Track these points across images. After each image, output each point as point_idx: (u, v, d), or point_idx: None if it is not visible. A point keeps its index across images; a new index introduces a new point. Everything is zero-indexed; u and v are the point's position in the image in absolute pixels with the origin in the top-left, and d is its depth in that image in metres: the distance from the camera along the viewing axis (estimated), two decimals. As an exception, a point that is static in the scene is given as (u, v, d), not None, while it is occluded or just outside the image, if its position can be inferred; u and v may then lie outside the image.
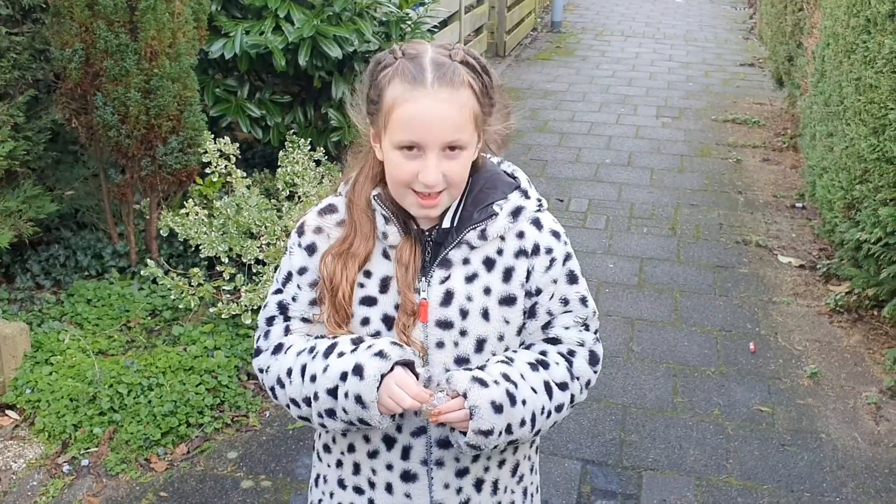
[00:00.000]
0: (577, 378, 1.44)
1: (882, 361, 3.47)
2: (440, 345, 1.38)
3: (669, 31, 10.56)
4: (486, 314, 1.38)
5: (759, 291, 4.06)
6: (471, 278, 1.38)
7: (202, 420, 2.96)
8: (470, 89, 1.30)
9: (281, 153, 3.97)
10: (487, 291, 1.39)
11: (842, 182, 3.40)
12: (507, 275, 1.40)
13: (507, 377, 1.34)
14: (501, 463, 1.48)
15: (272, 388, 1.45)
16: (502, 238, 1.40)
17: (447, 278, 1.38)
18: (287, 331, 1.46)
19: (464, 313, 1.37)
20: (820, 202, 3.81)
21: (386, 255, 1.39)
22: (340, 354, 1.35)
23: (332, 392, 1.34)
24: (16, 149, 3.24)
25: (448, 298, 1.37)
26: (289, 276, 1.45)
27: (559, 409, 1.41)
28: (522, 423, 1.34)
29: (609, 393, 3.27)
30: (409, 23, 4.58)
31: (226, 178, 3.76)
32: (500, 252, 1.40)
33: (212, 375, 3.09)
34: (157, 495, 2.69)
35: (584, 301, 1.46)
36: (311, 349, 1.40)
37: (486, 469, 1.46)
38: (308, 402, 1.38)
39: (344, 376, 1.32)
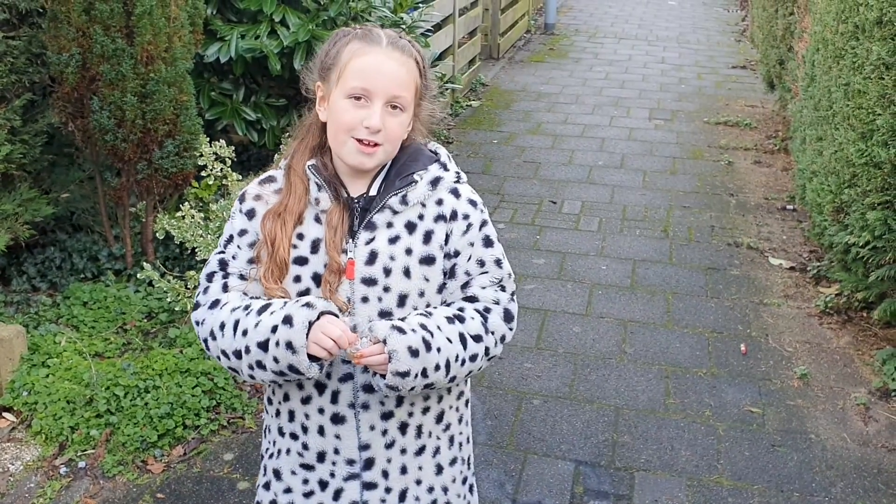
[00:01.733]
0: (492, 332, 1.58)
1: (871, 363, 3.51)
2: (365, 299, 1.52)
3: (662, 33, 10.61)
4: (407, 272, 1.53)
5: (751, 293, 4.11)
6: (394, 240, 1.53)
7: (198, 422, 2.98)
8: (414, 62, 1.52)
9: (276, 156, 3.99)
10: (409, 252, 1.53)
11: (831, 186, 3.44)
12: (427, 237, 1.55)
13: (424, 327, 1.48)
14: (426, 410, 1.61)
15: (205, 340, 1.57)
16: (423, 205, 1.55)
17: (372, 240, 1.52)
18: (225, 287, 1.58)
19: (387, 271, 1.51)
20: (810, 205, 3.85)
21: (318, 220, 1.54)
22: (272, 312, 1.48)
23: (263, 345, 1.46)
24: (12, 152, 3.26)
25: (373, 258, 1.52)
26: (230, 239, 1.59)
27: (473, 358, 1.54)
28: (437, 367, 1.48)
29: (602, 394, 3.30)
30: (404, 27, 4.61)
31: (221, 181, 3.78)
32: (420, 217, 1.55)
33: (208, 378, 3.11)
34: (154, 497, 2.71)
35: (499, 263, 1.61)
36: (246, 307, 1.53)
37: (410, 414, 1.59)
38: (238, 354, 1.51)
39: (275, 329, 1.45)
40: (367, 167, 1.52)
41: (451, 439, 1.68)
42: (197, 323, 1.59)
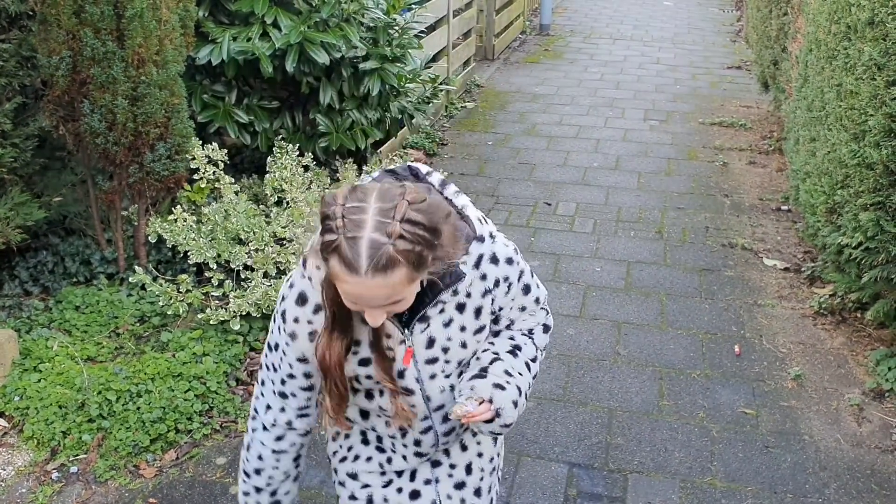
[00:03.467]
0: (541, 349, 1.75)
1: (865, 363, 3.51)
2: (433, 376, 1.61)
3: (657, 33, 10.61)
4: (464, 345, 1.61)
5: (745, 294, 4.10)
6: (447, 323, 1.58)
7: (191, 426, 2.97)
8: (403, 266, 1.33)
9: (269, 159, 3.99)
10: (463, 329, 1.60)
11: (824, 187, 3.44)
12: (478, 312, 1.61)
13: (508, 373, 1.60)
14: (479, 454, 1.81)
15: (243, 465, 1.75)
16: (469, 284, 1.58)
17: (426, 328, 1.57)
18: (282, 409, 1.65)
19: (445, 350, 1.60)
20: (803, 206, 3.85)
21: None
22: None
23: None
24: (3, 156, 3.25)
25: (431, 343, 1.58)
26: (278, 361, 1.61)
27: (535, 377, 1.71)
28: (526, 398, 1.65)
29: (596, 396, 3.30)
30: (397, 28, 4.61)
31: (214, 185, 3.78)
32: (468, 295, 1.58)
33: (200, 381, 3.10)
34: (147, 502, 2.70)
35: (537, 301, 1.72)
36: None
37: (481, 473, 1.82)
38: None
39: None
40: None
41: (493, 470, 1.88)
42: (246, 446, 1.74)
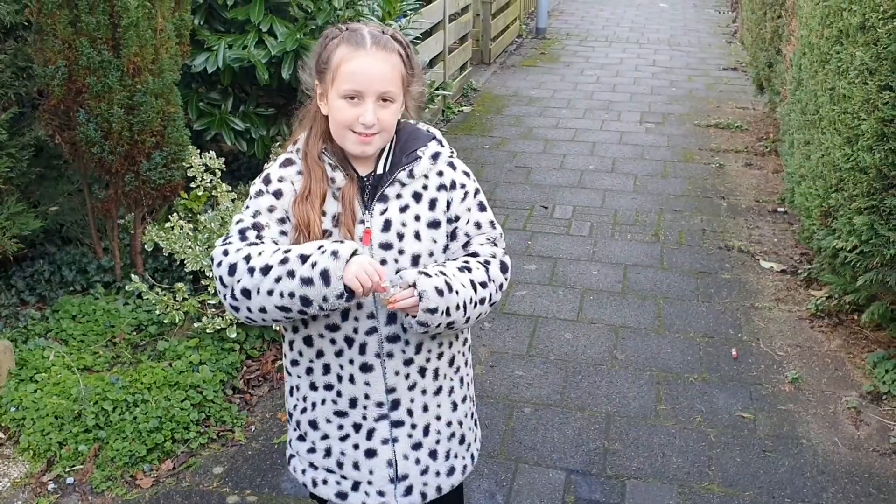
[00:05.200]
0: (493, 280, 1.80)
1: (862, 366, 3.52)
2: (383, 262, 1.72)
3: (653, 35, 10.63)
4: (417, 235, 1.75)
5: (742, 297, 4.11)
6: (403, 209, 1.75)
7: (188, 436, 2.97)
8: (398, 55, 1.70)
9: (266, 165, 3.98)
10: (417, 218, 1.75)
11: (818, 190, 3.45)
12: (432, 204, 1.77)
13: (443, 273, 1.70)
14: (440, 355, 1.83)
15: (233, 264, 1.64)
16: (426, 177, 1.77)
17: (385, 210, 1.74)
18: (261, 240, 1.71)
19: (400, 236, 1.73)
20: (798, 209, 3.85)
21: (335, 197, 1.73)
22: (318, 242, 1.65)
23: (304, 257, 1.58)
24: (-1, 166, 3.25)
25: (387, 225, 1.73)
26: (257, 212, 1.73)
27: (482, 301, 1.77)
28: (457, 307, 1.69)
29: (593, 401, 3.30)
30: (392, 34, 4.61)
31: (211, 192, 3.78)
32: (425, 188, 1.77)
33: (197, 390, 3.10)
34: (144, 512, 2.70)
35: (492, 224, 1.85)
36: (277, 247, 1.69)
37: (428, 360, 1.81)
38: (267, 269, 1.60)
39: (321, 247, 1.59)
40: (367, 154, 1.73)
41: (461, 380, 1.92)
42: (225, 253, 1.67)
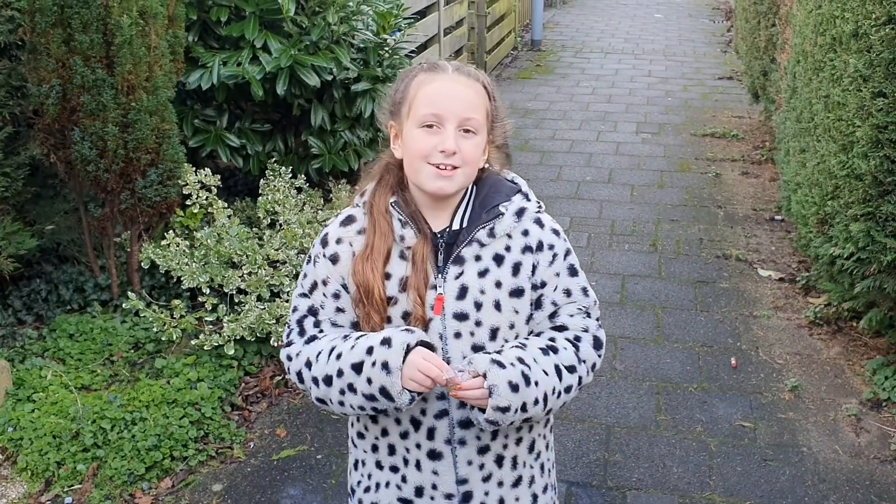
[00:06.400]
0: (584, 361, 1.58)
1: (861, 373, 3.50)
2: (457, 335, 1.52)
3: (648, 46, 10.67)
4: (498, 305, 1.53)
5: (740, 306, 4.10)
6: (483, 273, 1.53)
7: (186, 453, 2.96)
8: (482, 86, 1.54)
9: (262, 181, 3.99)
10: (498, 285, 1.53)
11: (814, 198, 3.45)
12: (516, 269, 1.54)
13: (521, 360, 1.47)
14: (519, 441, 1.62)
15: (299, 372, 1.57)
16: (509, 236, 1.55)
17: (461, 274, 1.52)
18: (319, 328, 1.59)
19: (478, 305, 1.51)
20: (795, 217, 3.85)
21: (403, 257, 1.53)
22: (368, 337, 1.49)
23: (358, 367, 1.46)
24: (-6, 186, 3.25)
25: (463, 292, 1.51)
26: (314, 285, 1.59)
27: (568, 390, 1.54)
28: (536, 402, 1.47)
29: (593, 413, 3.29)
30: (388, 48, 4.62)
31: (207, 209, 3.78)
32: (507, 249, 1.55)
33: (195, 408, 3.09)
34: (142, 531, 2.68)
35: (585, 291, 1.62)
36: (344, 336, 1.55)
37: (505, 446, 1.60)
38: (329, 380, 1.49)
39: (370, 350, 1.45)
40: (447, 192, 1.51)
41: (542, 466, 1.71)
42: (289, 358, 1.59)
